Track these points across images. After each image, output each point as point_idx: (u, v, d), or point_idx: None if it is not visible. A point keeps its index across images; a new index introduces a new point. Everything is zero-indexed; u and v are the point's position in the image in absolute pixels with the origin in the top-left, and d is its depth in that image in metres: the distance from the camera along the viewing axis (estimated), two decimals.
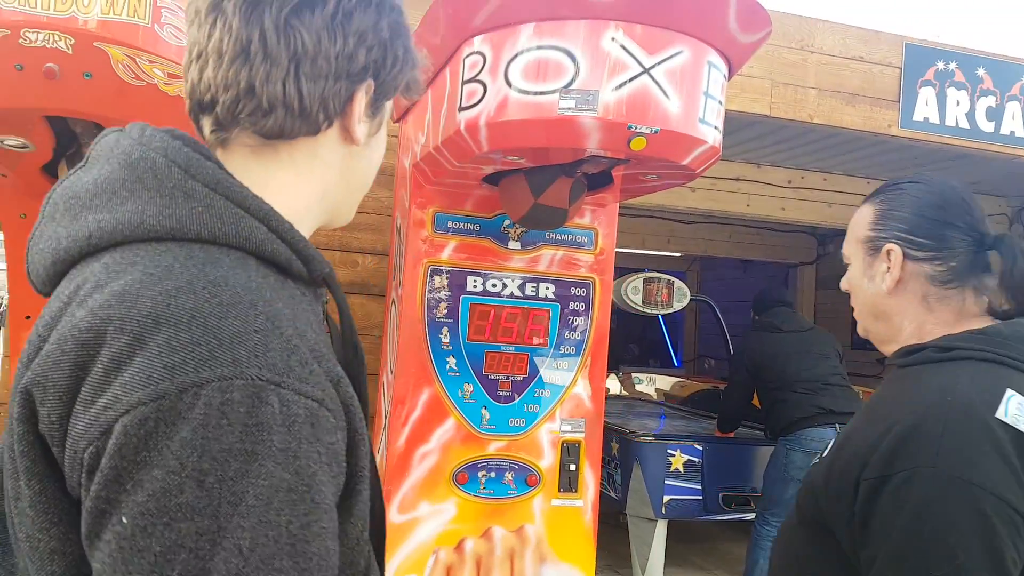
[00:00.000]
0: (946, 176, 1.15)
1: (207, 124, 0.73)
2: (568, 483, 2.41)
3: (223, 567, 0.54)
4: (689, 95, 1.70)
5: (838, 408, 3.61)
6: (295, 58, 0.70)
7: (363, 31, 0.73)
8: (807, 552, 1.07)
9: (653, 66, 1.66)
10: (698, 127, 1.73)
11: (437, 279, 2.35)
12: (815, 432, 3.59)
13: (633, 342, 11.50)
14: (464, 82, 1.78)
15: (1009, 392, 0.94)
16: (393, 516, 2.30)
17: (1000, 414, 0.92)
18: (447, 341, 2.36)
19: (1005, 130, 3.72)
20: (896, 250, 1.10)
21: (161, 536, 0.54)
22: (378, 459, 2.53)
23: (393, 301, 2.53)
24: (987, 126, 3.67)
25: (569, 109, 1.64)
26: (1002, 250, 1.05)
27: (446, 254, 2.36)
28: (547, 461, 2.40)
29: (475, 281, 2.38)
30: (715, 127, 1.81)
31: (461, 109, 1.78)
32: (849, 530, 0.97)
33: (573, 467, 2.41)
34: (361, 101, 0.75)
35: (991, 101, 3.72)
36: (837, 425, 3.57)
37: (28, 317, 2.27)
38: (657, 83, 1.66)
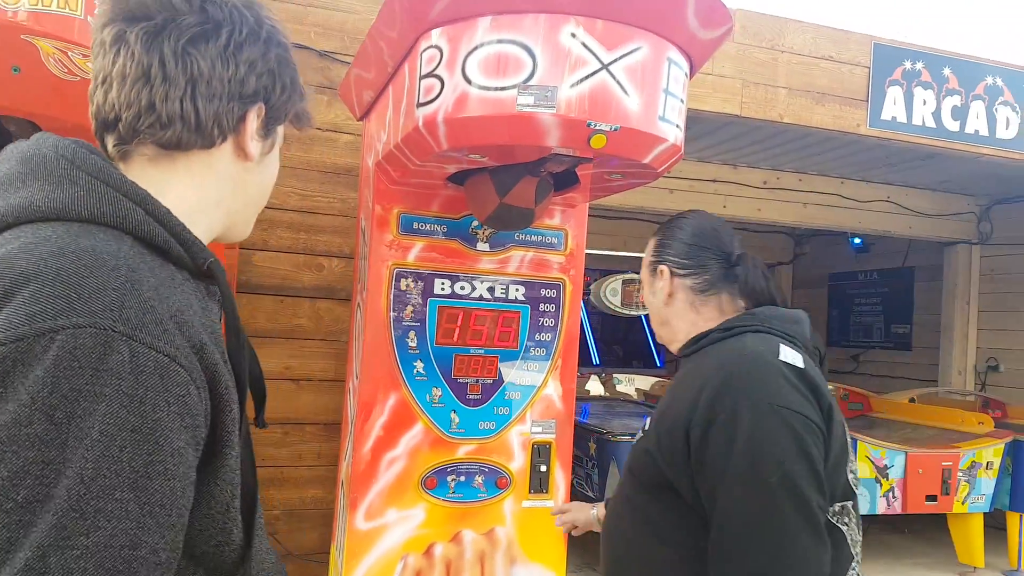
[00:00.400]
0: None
1: (110, 140, 0.82)
2: (539, 484, 2.39)
3: (65, 493, 0.61)
4: (649, 92, 1.68)
5: None
6: (192, 80, 0.79)
7: (253, 60, 0.83)
8: (651, 511, 1.30)
9: (612, 62, 1.64)
10: (658, 125, 1.72)
11: (403, 282, 2.31)
12: None
13: (616, 344, 11.52)
14: (422, 77, 1.75)
15: (781, 345, 1.27)
16: (359, 523, 2.26)
17: (782, 358, 1.24)
18: (414, 345, 2.32)
19: (970, 129, 3.75)
20: (666, 270, 1.47)
21: (9, 462, 0.60)
22: (343, 466, 2.49)
23: (358, 305, 2.49)
24: (952, 125, 3.70)
25: (528, 105, 1.62)
26: (741, 265, 1.42)
27: (412, 256, 2.32)
28: (517, 463, 2.38)
29: (443, 283, 2.35)
30: (676, 125, 1.80)
31: (419, 105, 1.74)
32: (688, 478, 1.22)
33: (544, 468, 2.38)
34: (253, 122, 0.85)
35: (956, 100, 3.75)
36: None
37: None
38: (616, 80, 1.64)
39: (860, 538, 1.27)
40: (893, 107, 3.59)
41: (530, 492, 2.39)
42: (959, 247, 6.44)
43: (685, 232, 1.47)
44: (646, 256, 1.54)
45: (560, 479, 2.41)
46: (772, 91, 3.43)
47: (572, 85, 1.62)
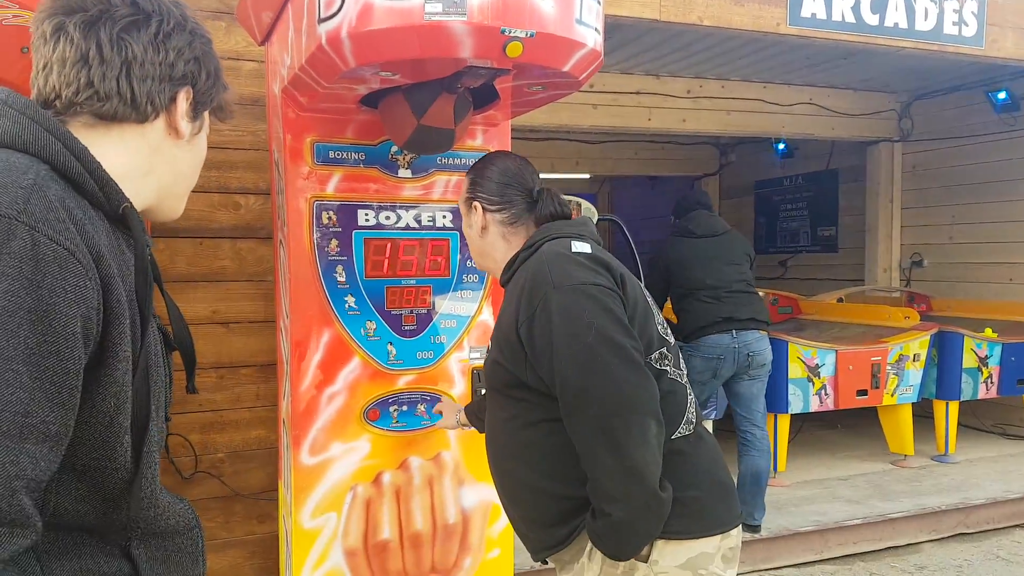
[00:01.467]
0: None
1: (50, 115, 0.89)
2: None
3: None
4: None
5: (738, 315, 3.71)
6: (126, 62, 0.90)
7: (180, 47, 0.95)
8: (512, 408, 1.53)
9: None
10: (575, 28, 1.64)
11: (325, 215, 2.22)
12: (712, 339, 3.70)
13: None
14: None
15: (572, 241, 1.53)
16: (304, 459, 2.23)
17: (573, 249, 1.50)
18: (343, 280, 2.25)
19: (889, 22, 3.76)
20: (479, 205, 1.68)
21: None
22: (283, 405, 2.44)
23: (280, 242, 2.39)
24: (872, 19, 3.70)
25: (436, 14, 1.52)
26: (540, 199, 1.65)
27: (331, 187, 2.22)
28: (458, 389, 2.37)
29: (367, 214, 2.26)
30: (595, 29, 1.72)
31: (321, 20, 1.62)
32: (531, 368, 1.45)
33: (484, 392, 2.37)
34: (183, 102, 0.96)
35: None
36: (734, 331, 3.68)
37: None
38: None
39: (684, 371, 1.57)
40: (812, 3, 3.56)
41: None
42: (881, 146, 6.60)
43: (494, 172, 1.68)
44: (461, 194, 1.76)
45: None
46: None
47: None
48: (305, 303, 2.22)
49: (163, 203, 1.00)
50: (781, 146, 7.40)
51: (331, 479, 2.26)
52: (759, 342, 3.75)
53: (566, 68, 1.72)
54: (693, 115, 5.46)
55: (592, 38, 1.71)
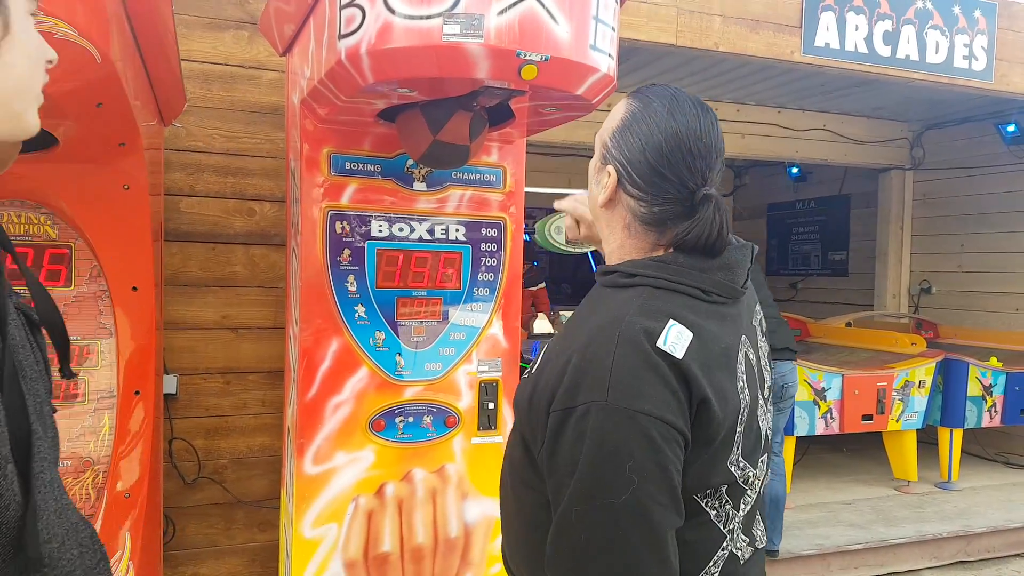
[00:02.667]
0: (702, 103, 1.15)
1: None
2: (487, 421, 2.41)
3: None
4: (579, 20, 1.64)
5: (774, 344, 3.62)
6: None
7: None
8: (517, 455, 1.17)
9: None
10: (589, 54, 1.68)
11: (339, 224, 2.25)
12: None
13: (564, 282, 11.62)
14: (342, 7, 1.66)
15: (671, 322, 1.04)
16: (307, 468, 2.25)
17: (660, 343, 1.02)
18: (354, 289, 2.28)
19: (901, 54, 3.80)
20: (614, 175, 1.17)
21: None
22: (288, 413, 2.47)
23: (293, 250, 2.43)
24: (884, 50, 3.74)
25: (454, 35, 1.56)
26: (697, 213, 1.12)
27: (346, 198, 2.26)
28: (465, 402, 2.38)
29: (380, 225, 2.30)
30: (608, 54, 1.76)
31: (341, 37, 1.66)
32: (541, 455, 1.07)
33: (492, 405, 2.40)
34: None
35: (888, 25, 3.77)
36: (772, 362, 3.60)
37: None
38: (544, 7, 1.59)
39: (742, 512, 1.12)
40: (826, 33, 3.60)
41: (479, 429, 2.40)
42: (893, 173, 6.61)
43: (653, 141, 1.13)
44: (605, 130, 1.20)
45: (508, 415, 2.43)
46: (707, 19, 3.39)
47: (499, 12, 1.56)
48: (315, 311, 2.25)
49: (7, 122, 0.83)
50: (795, 170, 7.43)
51: (334, 489, 2.28)
52: (792, 373, 3.68)
53: (579, 91, 1.76)
54: None
55: (606, 64, 1.75)
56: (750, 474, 1.11)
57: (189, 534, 2.76)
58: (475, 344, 2.40)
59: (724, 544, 1.10)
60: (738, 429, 1.09)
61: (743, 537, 1.13)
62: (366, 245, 2.28)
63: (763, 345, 1.23)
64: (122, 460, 2.00)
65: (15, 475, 0.69)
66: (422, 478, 2.34)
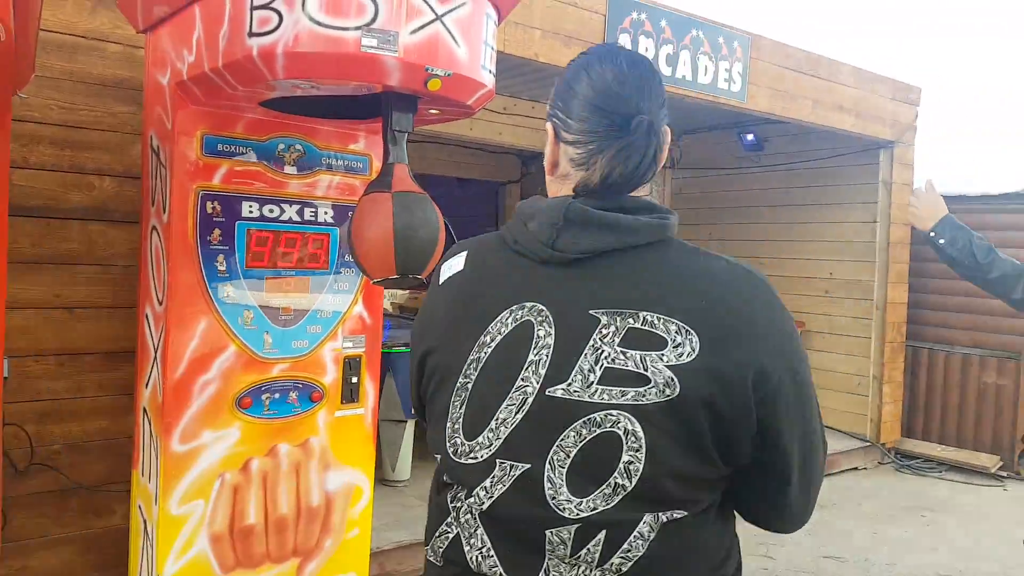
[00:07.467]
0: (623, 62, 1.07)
1: None
2: (350, 395, 2.58)
3: None
4: (473, 43, 1.90)
5: None
6: None
7: None
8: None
9: (444, 14, 1.82)
10: (481, 72, 1.95)
11: (210, 205, 2.29)
12: None
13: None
14: (254, 8, 1.76)
15: (456, 256, 1.14)
16: (175, 447, 2.28)
17: (442, 270, 1.16)
18: (223, 268, 2.33)
19: (679, 75, 4.50)
20: (551, 129, 1.05)
21: None
22: (144, 394, 2.45)
23: (154, 228, 2.40)
24: (666, 70, 4.41)
25: (372, 47, 1.74)
26: (634, 131, 1.03)
27: (218, 178, 2.30)
28: (330, 377, 2.53)
29: (251, 206, 2.36)
30: (490, 71, 2.04)
31: (253, 35, 1.77)
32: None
33: (355, 380, 2.58)
34: None
35: (670, 49, 4.45)
36: None
37: None
38: (448, 30, 1.83)
39: None
40: None
41: (342, 403, 2.56)
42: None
43: (581, 83, 1.03)
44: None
45: (370, 388, 2.63)
46: (529, 31, 3.77)
47: (412, 32, 1.77)
48: (183, 290, 2.26)
49: None
50: None
51: (201, 466, 2.32)
52: None
53: (469, 102, 2.02)
54: (508, 129, 5.98)
55: (489, 80, 2.03)
56: None
57: (17, 525, 2.60)
58: (340, 322, 2.56)
59: None
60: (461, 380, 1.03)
61: None
62: (236, 225, 2.34)
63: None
64: None
65: None
66: (287, 452, 2.46)
